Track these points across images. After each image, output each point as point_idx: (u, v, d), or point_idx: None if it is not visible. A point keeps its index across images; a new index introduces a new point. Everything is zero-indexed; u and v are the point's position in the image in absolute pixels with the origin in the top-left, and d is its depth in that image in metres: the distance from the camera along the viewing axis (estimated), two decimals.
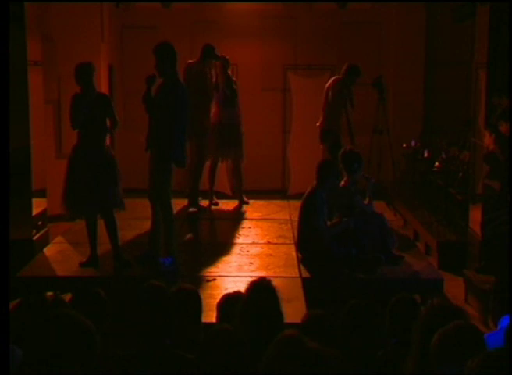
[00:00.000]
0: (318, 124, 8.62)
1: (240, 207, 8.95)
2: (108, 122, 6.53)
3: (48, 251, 7.13)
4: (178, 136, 6.46)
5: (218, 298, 4.18)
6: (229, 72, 8.70)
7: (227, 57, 8.62)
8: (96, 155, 6.40)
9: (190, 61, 8.54)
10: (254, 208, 8.86)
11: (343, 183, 6.93)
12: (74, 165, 6.43)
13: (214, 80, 8.59)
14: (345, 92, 8.45)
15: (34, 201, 7.60)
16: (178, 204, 8.71)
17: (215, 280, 6.35)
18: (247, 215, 8.74)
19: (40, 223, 7.75)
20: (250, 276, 6.44)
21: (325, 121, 8.54)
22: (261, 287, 3.64)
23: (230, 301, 4.00)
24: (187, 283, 4.37)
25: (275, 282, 6.36)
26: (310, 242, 6.75)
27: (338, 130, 8.60)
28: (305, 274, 6.49)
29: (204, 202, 8.87)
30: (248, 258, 7.08)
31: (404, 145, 10.09)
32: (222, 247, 7.39)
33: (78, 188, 6.39)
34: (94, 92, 6.49)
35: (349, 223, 6.71)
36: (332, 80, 8.63)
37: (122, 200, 6.59)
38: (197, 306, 3.90)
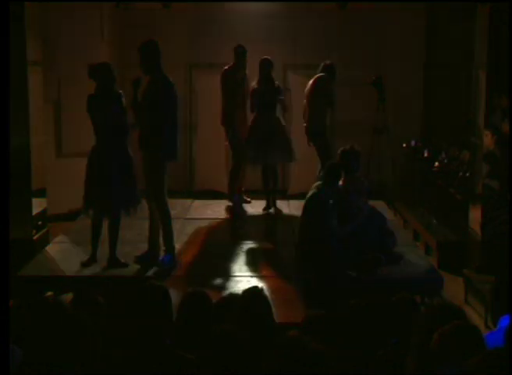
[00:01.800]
0: (304, 125, 8.62)
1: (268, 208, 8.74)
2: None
3: (48, 251, 7.12)
4: (168, 133, 6.47)
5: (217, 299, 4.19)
6: (272, 74, 8.48)
7: (268, 57, 8.44)
8: (115, 154, 6.39)
9: (225, 67, 8.59)
10: (254, 208, 8.85)
11: (341, 182, 6.91)
12: (93, 164, 6.42)
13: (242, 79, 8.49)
14: (330, 89, 8.45)
15: (34, 201, 7.60)
16: (179, 203, 8.74)
17: None
18: (246, 215, 8.73)
19: (40, 222, 7.75)
20: (251, 276, 6.45)
21: (312, 122, 8.53)
22: (253, 294, 3.65)
23: (224, 303, 4.01)
24: (184, 283, 4.37)
25: (275, 282, 6.40)
26: (314, 242, 6.70)
27: (325, 131, 8.61)
28: (305, 274, 6.49)
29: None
30: (248, 259, 7.08)
31: (404, 145, 10.09)
32: (221, 247, 7.39)
33: (96, 187, 6.38)
34: (112, 92, 6.41)
35: (359, 222, 6.69)
36: (313, 79, 8.59)
37: (140, 200, 6.60)
38: (208, 309, 3.90)
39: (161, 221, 6.63)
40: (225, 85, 8.50)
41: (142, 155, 6.58)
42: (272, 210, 8.64)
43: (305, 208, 6.81)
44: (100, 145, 6.41)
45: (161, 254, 6.77)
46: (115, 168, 6.36)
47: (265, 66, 8.36)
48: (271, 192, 8.71)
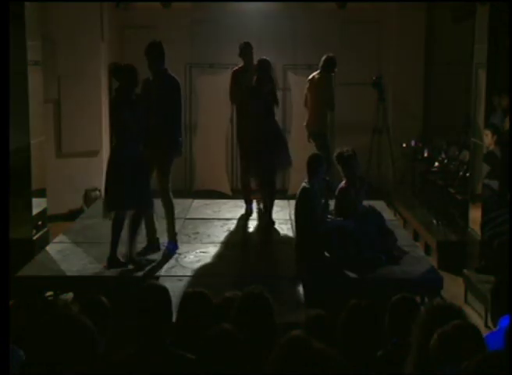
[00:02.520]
0: (305, 124, 8.59)
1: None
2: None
3: (48, 250, 7.12)
4: (174, 131, 6.70)
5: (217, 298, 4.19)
6: (274, 75, 8.05)
7: (266, 58, 7.94)
8: (132, 154, 6.39)
9: (235, 68, 8.42)
10: (253, 209, 8.84)
11: (343, 185, 6.90)
12: (113, 165, 6.44)
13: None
14: (329, 93, 8.46)
15: (34, 201, 7.59)
16: (179, 203, 8.73)
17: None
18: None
19: (40, 222, 7.74)
20: (251, 276, 6.45)
21: (316, 121, 8.51)
22: (253, 294, 3.65)
23: (224, 303, 4.00)
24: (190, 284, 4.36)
25: (275, 282, 6.39)
26: (310, 239, 6.70)
27: (326, 131, 8.60)
28: (305, 274, 6.49)
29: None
30: (248, 258, 7.06)
31: (404, 145, 10.09)
32: (222, 247, 7.39)
33: (116, 188, 6.40)
34: (133, 95, 6.40)
35: (349, 224, 6.68)
36: (316, 80, 8.58)
37: (152, 201, 6.63)
38: (208, 309, 3.89)
39: (167, 211, 6.90)
40: (235, 87, 8.22)
41: (148, 152, 6.61)
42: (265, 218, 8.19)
43: (296, 206, 6.91)
44: (120, 146, 6.44)
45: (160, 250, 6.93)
46: (129, 168, 6.36)
47: (266, 68, 7.90)
48: (266, 196, 8.19)
